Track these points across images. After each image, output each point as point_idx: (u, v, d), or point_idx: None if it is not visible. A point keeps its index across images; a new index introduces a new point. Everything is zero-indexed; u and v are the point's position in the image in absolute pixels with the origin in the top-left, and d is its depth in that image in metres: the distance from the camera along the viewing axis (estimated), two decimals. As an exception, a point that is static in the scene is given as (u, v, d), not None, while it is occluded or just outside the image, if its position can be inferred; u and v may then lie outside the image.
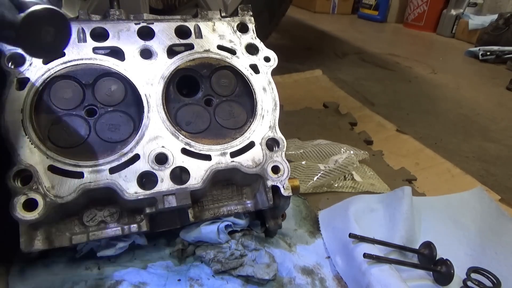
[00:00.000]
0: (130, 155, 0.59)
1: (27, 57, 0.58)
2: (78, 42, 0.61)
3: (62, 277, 0.61)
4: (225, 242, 0.68)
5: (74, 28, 0.62)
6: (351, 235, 0.69)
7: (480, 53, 2.50)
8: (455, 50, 2.83)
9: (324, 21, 3.34)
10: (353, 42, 2.66)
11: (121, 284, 0.62)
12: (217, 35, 0.71)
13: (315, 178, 0.91)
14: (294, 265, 0.70)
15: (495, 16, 2.78)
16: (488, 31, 2.71)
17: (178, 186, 0.59)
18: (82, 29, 0.62)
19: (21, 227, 0.54)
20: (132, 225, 0.60)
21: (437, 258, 0.69)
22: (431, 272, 0.68)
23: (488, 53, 2.48)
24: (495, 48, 2.50)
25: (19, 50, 0.58)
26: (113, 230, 0.60)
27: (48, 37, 0.43)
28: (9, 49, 0.57)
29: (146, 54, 0.65)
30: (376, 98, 1.65)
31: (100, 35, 0.63)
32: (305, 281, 0.67)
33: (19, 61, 0.58)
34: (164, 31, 0.67)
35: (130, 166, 0.58)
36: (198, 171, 0.61)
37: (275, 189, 0.65)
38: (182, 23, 0.69)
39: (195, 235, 0.66)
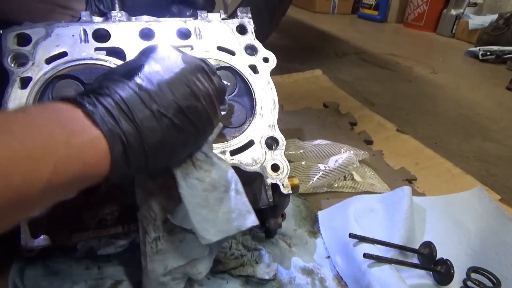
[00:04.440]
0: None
1: (30, 56, 0.59)
2: (80, 42, 0.62)
3: (62, 277, 0.62)
4: (225, 241, 0.68)
5: (77, 29, 0.62)
6: (351, 235, 0.70)
7: (480, 53, 2.50)
8: (455, 50, 2.83)
9: (324, 21, 3.34)
10: (353, 42, 2.66)
11: (121, 284, 0.62)
12: (217, 37, 0.71)
13: (315, 178, 0.91)
14: (294, 265, 0.70)
15: (495, 16, 2.78)
16: (488, 31, 2.70)
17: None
18: (84, 30, 0.63)
19: (22, 223, 0.54)
20: (132, 223, 0.60)
21: (437, 258, 0.69)
22: (431, 272, 0.69)
23: (488, 53, 2.48)
24: (495, 48, 2.50)
25: (22, 50, 0.58)
26: (114, 227, 0.60)
27: None
28: (12, 48, 0.58)
29: (146, 54, 0.65)
30: (376, 98, 1.65)
31: (102, 36, 0.64)
32: (305, 281, 0.68)
33: (22, 60, 0.59)
34: (165, 32, 0.67)
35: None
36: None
37: (275, 187, 0.65)
38: (182, 25, 0.69)
39: (195, 234, 0.66)
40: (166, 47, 0.49)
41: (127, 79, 0.42)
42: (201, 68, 0.48)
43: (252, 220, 0.52)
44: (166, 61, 0.46)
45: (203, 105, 0.46)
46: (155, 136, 0.42)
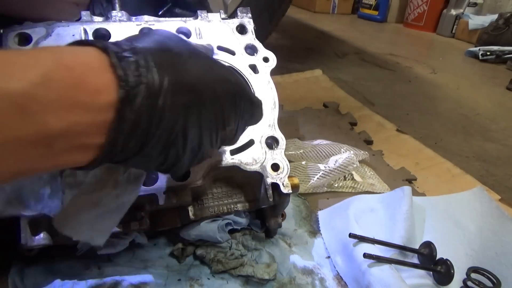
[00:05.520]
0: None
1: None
2: (80, 42, 0.62)
3: (62, 277, 0.62)
4: (225, 241, 0.68)
5: (77, 29, 0.62)
6: (351, 235, 0.70)
7: (480, 53, 2.50)
8: (455, 50, 2.83)
9: (324, 21, 3.34)
10: (353, 42, 2.66)
11: (121, 283, 0.62)
12: (217, 37, 0.71)
13: (315, 178, 0.91)
14: (294, 265, 0.70)
15: (495, 16, 2.78)
16: (488, 31, 2.70)
17: (179, 183, 0.60)
18: (85, 30, 0.63)
19: (22, 222, 0.54)
20: (132, 223, 0.60)
21: (437, 258, 0.69)
22: (431, 272, 0.69)
23: (488, 53, 2.48)
24: (495, 48, 2.50)
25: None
26: (114, 227, 0.60)
27: None
28: (13, 48, 0.58)
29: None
30: (376, 98, 1.65)
31: (102, 35, 0.64)
32: (305, 281, 0.68)
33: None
34: (165, 32, 0.67)
35: (131, 164, 0.58)
36: (198, 168, 0.61)
37: (275, 186, 0.65)
38: (182, 24, 0.69)
39: (196, 233, 0.66)
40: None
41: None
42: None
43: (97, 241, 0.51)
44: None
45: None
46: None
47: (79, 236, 0.48)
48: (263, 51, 0.73)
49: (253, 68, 0.71)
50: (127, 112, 0.33)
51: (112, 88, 0.32)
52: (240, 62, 0.71)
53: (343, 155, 0.96)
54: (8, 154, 0.28)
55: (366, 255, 0.64)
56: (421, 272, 0.69)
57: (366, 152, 1.03)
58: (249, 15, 0.75)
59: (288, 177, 0.66)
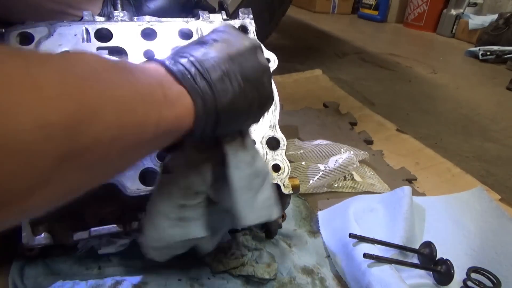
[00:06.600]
0: (132, 153, 0.59)
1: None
2: (83, 42, 0.62)
3: (62, 277, 0.62)
4: (226, 241, 0.68)
5: (79, 29, 0.62)
6: (351, 235, 0.70)
7: (480, 53, 2.50)
8: (455, 50, 2.83)
9: (324, 21, 3.34)
10: (353, 42, 2.66)
11: (121, 283, 0.62)
12: (218, 37, 0.71)
13: (315, 179, 0.92)
14: (294, 264, 0.70)
15: (495, 16, 2.78)
16: (488, 31, 2.70)
17: None
18: (87, 29, 0.63)
19: (23, 222, 0.54)
20: (132, 222, 0.61)
21: (437, 258, 0.69)
22: (431, 272, 0.69)
23: (488, 53, 2.48)
24: (495, 48, 2.50)
25: (25, 49, 0.58)
26: (114, 227, 0.60)
27: None
28: (15, 48, 0.58)
29: (149, 54, 0.65)
30: (376, 98, 1.65)
31: (104, 35, 0.63)
32: (305, 281, 0.68)
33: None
34: (167, 32, 0.67)
35: (133, 163, 0.58)
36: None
37: (276, 187, 0.65)
38: (184, 25, 0.69)
39: (196, 234, 0.66)
40: (233, 27, 0.51)
41: (200, 46, 0.45)
42: (260, 46, 0.51)
43: (277, 211, 0.55)
44: (235, 37, 0.49)
45: (267, 79, 0.49)
46: (226, 97, 0.43)
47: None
48: (264, 52, 0.73)
49: (254, 68, 0.71)
50: None
51: (191, 114, 0.41)
52: (241, 62, 0.71)
53: (343, 155, 0.97)
54: (161, 135, 0.36)
55: (366, 255, 0.64)
56: (421, 272, 0.69)
57: (366, 152, 1.03)
58: (251, 16, 0.75)
59: (289, 178, 0.66)
